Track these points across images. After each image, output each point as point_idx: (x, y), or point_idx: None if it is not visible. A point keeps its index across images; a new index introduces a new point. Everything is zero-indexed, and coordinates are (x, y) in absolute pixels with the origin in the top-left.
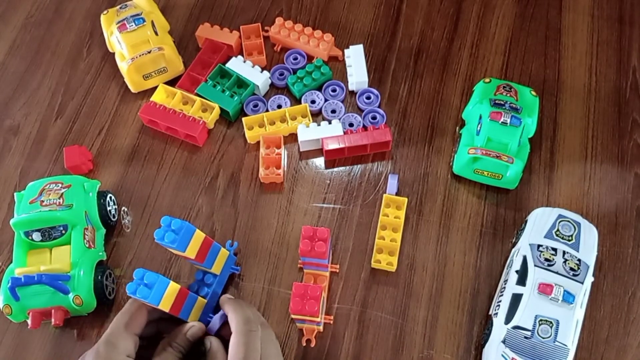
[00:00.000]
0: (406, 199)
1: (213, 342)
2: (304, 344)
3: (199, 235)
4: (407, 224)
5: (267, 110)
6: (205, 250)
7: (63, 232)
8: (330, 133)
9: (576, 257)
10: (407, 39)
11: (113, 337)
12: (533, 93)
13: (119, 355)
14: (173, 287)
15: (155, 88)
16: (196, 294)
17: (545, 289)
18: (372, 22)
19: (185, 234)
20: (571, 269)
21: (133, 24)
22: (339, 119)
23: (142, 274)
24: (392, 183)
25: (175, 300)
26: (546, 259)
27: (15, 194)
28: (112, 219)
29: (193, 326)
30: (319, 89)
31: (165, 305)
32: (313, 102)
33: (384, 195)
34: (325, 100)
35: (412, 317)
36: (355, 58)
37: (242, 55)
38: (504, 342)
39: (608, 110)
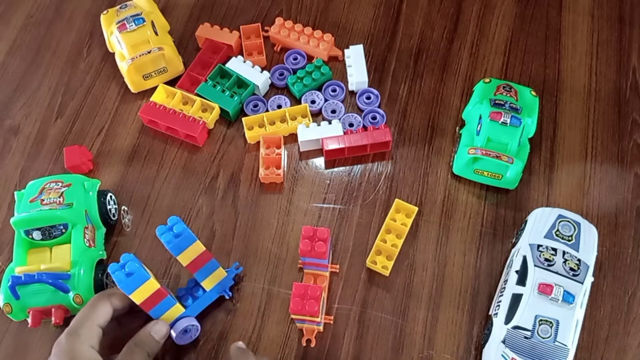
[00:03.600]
0: (417, 209)
1: None
2: (304, 344)
3: (197, 246)
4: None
5: (267, 110)
6: (201, 263)
7: (63, 230)
8: (330, 133)
9: (576, 257)
10: (407, 39)
11: (75, 328)
12: (533, 93)
13: (81, 344)
14: (151, 284)
15: (155, 88)
16: (180, 298)
17: (545, 289)
18: (372, 22)
19: (183, 240)
20: (571, 269)
21: (133, 24)
22: (339, 119)
23: (127, 259)
24: None
25: (150, 297)
26: (546, 259)
27: (15, 192)
28: (112, 218)
29: (157, 324)
30: (319, 89)
31: (136, 298)
32: (313, 102)
33: (396, 200)
34: (325, 100)
35: (412, 317)
36: (355, 58)
37: (242, 55)
38: (504, 342)
39: (608, 110)
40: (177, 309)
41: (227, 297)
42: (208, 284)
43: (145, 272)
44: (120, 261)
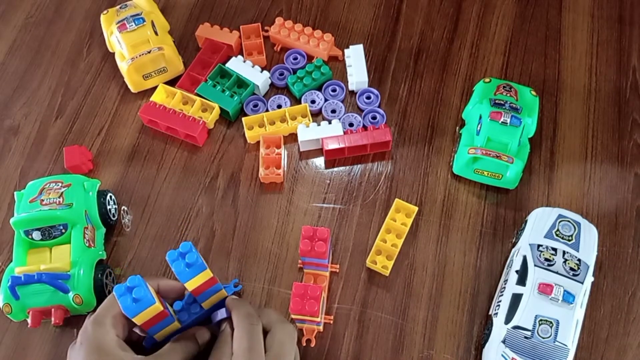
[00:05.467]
0: (417, 209)
1: (227, 326)
2: (304, 344)
3: (206, 274)
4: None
5: (267, 110)
6: (205, 288)
7: (63, 231)
8: (330, 133)
9: (576, 257)
10: (407, 39)
11: (101, 317)
12: (533, 93)
13: (107, 333)
14: (155, 308)
15: (155, 88)
16: (177, 312)
17: (545, 289)
18: (372, 22)
19: (194, 270)
20: (571, 269)
21: (133, 23)
22: (339, 119)
23: (134, 283)
24: None
25: (152, 318)
26: (546, 259)
27: (15, 193)
28: (112, 218)
29: (200, 329)
30: (319, 89)
31: (138, 320)
32: (313, 102)
33: (396, 200)
34: (325, 100)
35: (412, 317)
36: (355, 58)
37: (242, 55)
38: (504, 342)
39: (608, 110)
40: (174, 326)
41: (226, 315)
42: (208, 304)
43: (151, 298)
44: (127, 283)
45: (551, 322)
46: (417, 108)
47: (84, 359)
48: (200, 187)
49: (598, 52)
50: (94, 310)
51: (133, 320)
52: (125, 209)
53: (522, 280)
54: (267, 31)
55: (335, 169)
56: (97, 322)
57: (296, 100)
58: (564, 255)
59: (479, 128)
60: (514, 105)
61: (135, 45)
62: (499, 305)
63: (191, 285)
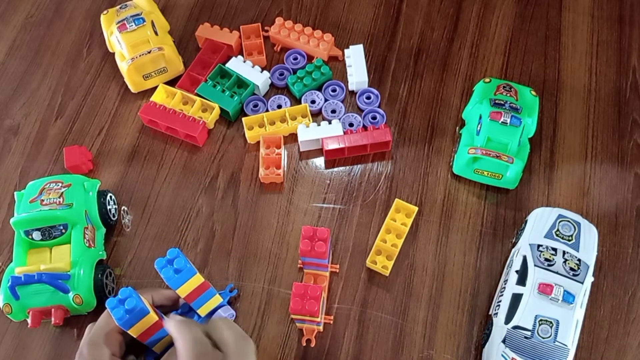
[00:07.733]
0: (417, 209)
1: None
2: (304, 344)
3: (196, 279)
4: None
5: (267, 110)
6: (198, 294)
7: (63, 231)
8: (330, 133)
9: (576, 257)
10: (407, 39)
11: (97, 337)
12: (533, 93)
13: (102, 355)
14: (149, 318)
15: (155, 88)
16: None
17: (545, 289)
18: (372, 22)
19: (183, 275)
20: (571, 269)
21: (133, 24)
22: (339, 119)
23: (126, 295)
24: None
25: (147, 329)
26: (546, 259)
27: (15, 193)
28: (112, 218)
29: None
30: (319, 89)
31: (134, 332)
32: (313, 102)
33: (396, 200)
34: (325, 100)
35: (412, 317)
36: (355, 58)
37: (242, 55)
38: (504, 342)
39: (608, 110)
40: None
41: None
42: (203, 311)
43: (145, 308)
44: (119, 295)
45: (551, 322)
46: (417, 108)
47: None
48: (200, 187)
49: (598, 52)
50: (92, 319)
51: (129, 332)
52: (125, 209)
53: (522, 280)
54: (267, 31)
55: (335, 169)
56: (93, 343)
57: (296, 100)
58: (564, 255)
59: (479, 128)
60: (514, 105)
61: (135, 45)
62: (499, 305)
63: (183, 291)
